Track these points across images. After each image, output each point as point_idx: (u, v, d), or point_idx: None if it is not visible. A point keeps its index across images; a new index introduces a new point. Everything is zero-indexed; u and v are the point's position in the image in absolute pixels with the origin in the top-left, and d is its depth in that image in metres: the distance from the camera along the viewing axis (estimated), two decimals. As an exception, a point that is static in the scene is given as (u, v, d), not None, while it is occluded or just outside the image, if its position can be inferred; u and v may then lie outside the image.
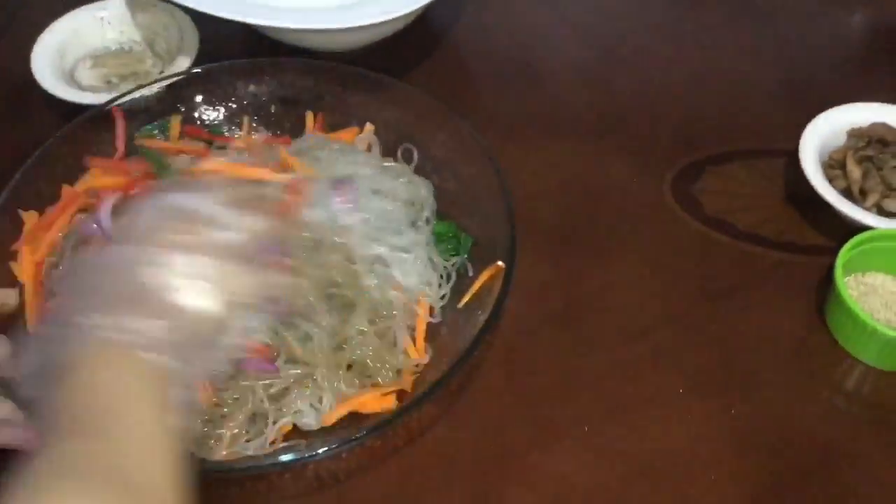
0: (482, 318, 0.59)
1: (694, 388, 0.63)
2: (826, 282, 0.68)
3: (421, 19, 0.83)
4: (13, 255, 0.64)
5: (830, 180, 0.70)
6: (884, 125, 0.74)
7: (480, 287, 0.63)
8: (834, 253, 0.66)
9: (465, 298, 0.64)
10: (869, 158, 0.70)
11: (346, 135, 0.74)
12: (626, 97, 0.84)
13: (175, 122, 0.74)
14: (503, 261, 0.61)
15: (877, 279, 0.68)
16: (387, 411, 0.58)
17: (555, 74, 0.86)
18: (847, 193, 0.70)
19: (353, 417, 0.59)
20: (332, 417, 0.58)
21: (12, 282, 0.63)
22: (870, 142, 0.72)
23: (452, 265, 0.67)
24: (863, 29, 0.93)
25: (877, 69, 0.87)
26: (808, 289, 0.69)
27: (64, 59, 0.82)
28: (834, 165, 0.72)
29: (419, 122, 0.73)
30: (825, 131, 0.74)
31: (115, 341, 0.42)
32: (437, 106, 0.71)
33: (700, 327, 0.67)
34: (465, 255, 0.67)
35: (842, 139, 0.74)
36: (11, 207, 0.64)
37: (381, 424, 0.56)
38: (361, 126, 0.74)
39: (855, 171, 0.70)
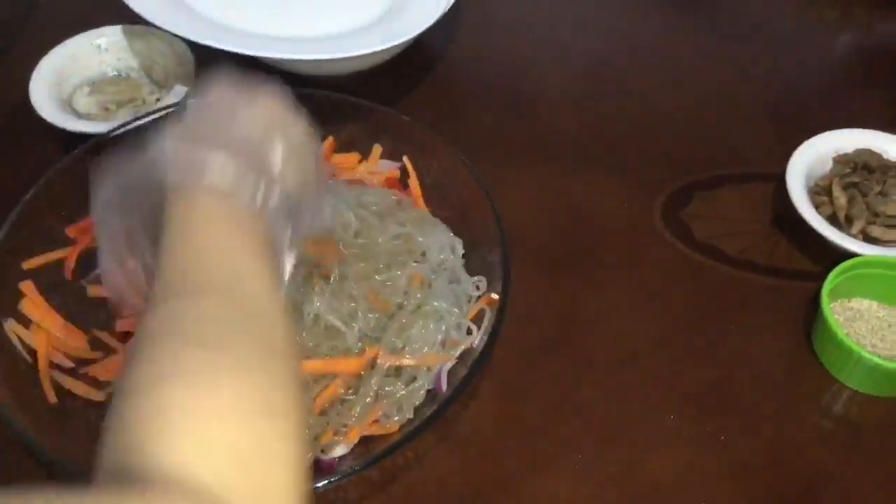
0: (478, 349, 0.60)
1: (685, 413, 0.64)
2: (813, 306, 0.69)
3: (414, 46, 0.85)
4: (18, 292, 0.64)
5: (817, 206, 0.72)
6: (869, 151, 0.75)
7: (475, 316, 0.65)
8: (821, 278, 0.67)
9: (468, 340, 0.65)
10: (854, 185, 0.72)
11: (349, 159, 0.75)
12: (616, 122, 0.85)
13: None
14: (496, 293, 0.62)
15: (862, 304, 0.69)
16: (386, 437, 0.59)
17: (546, 100, 0.87)
18: (833, 220, 0.72)
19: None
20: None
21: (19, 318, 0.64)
22: (855, 168, 0.74)
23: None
24: (847, 54, 0.95)
25: (865, 93, 0.89)
26: (795, 314, 0.70)
27: (61, 87, 0.83)
28: (820, 192, 0.73)
29: (412, 150, 0.74)
30: (811, 157, 0.75)
31: (218, 181, 0.42)
32: (430, 135, 0.72)
33: (690, 352, 0.68)
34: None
35: (828, 165, 0.75)
36: (12, 244, 0.65)
37: (384, 453, 0.56)
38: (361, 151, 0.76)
39: (841, 198, 0.71)
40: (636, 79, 0.90)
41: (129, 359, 0.35)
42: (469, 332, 0.64)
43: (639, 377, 0.66)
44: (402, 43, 0.80)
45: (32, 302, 0.64)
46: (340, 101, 0.75)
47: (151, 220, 0.44)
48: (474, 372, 0.59)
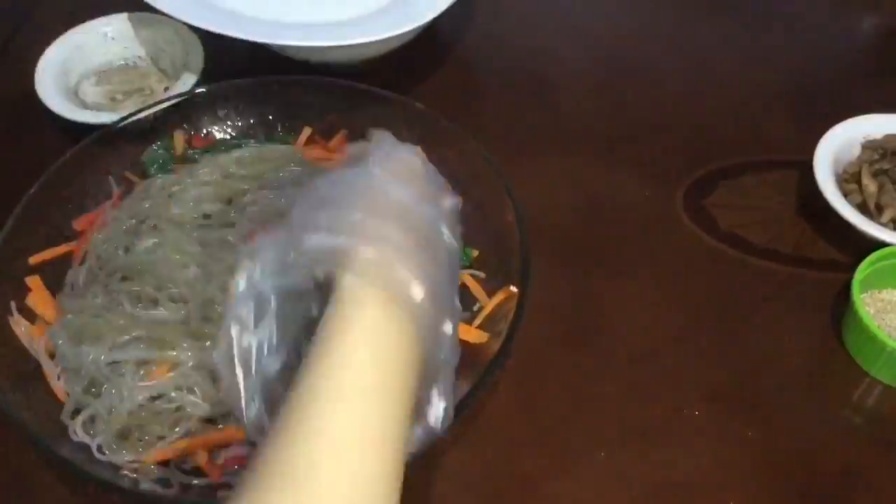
0: (496, 344, 0.59)
1: (710, 410, 0.62)
2: (841, 298, 0.67)
3: (429, 32, 0.82)
4: (24, 286, 0.63)
5: (845, 195, 0.70)
6: (898, 137, 0.73)
7: (492, 310, 0.63)
8: (849, 268, 0.65)
9: (477, 321, 0.63)
10: (885, 172, 0.70)
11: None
12: (636, 110, 0.83)
13: (178, 139, 0.73)
14: (515, 286, 0.61)
15: (894, 295, 0.67)
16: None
17: (565, 87, 0.85)
18: (863, 208, 0.69)
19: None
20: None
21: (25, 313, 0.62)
22: (885, 154, 0.71)
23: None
24: (874, 36, 0.92)
25: (890, 78, 0.86)
26: (823, 305, 0.68)
27: (68, 76, 0.81)
28: (849, 179, 0.71)
29: (427, 139, 0.72)
30: (839, 144, 0.73)
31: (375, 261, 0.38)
32: (445, 124, 0.70)
33: (715, 346, 0.66)
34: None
35: (856, 151, 0.73)
36: (17, 237, 0.63)
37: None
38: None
39: (870, 186, 0.69)
40: (656, 65, 0.87)
41: None
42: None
43: (662, 371, 0.65)
44: (415, 28, 0.78)
45: (38, 297, 0.62)
46: (352, 89, 0.73)
47: (295, 327, 0.42)
48: (493, 367, 0.57)
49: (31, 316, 0.62)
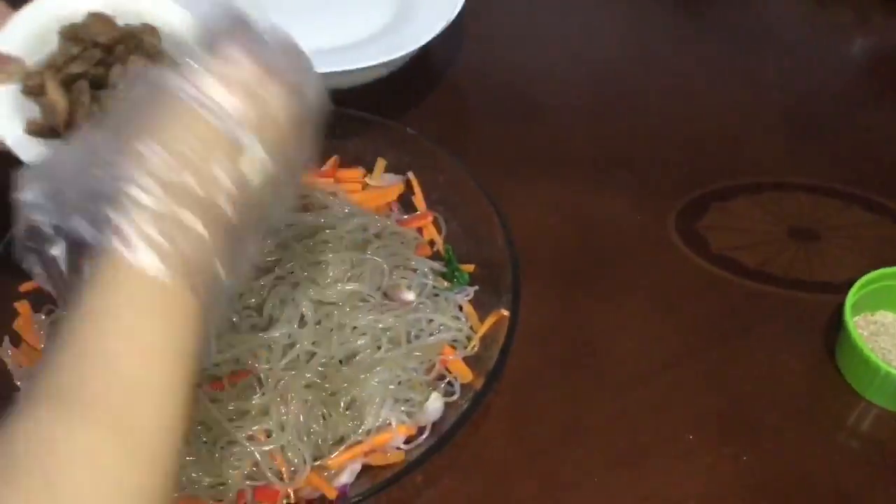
0: (488, 366, 0.58)
1: (703, 435, 0.62)
2: (834, 320, 0.67)
3: (419, 59, 0.83)
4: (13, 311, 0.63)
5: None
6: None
7: (484, 334, 0.62)
8: (842, 290, 0.65)
9: (471, 344, 0.63)
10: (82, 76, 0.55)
11: (351, 174, 0.73)
12: (626, 132, 0.83)
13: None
14: (506, 309, 0.60)
15: (887, 318, 0.67)
16: (396, 463, 0.57)
17: (554, 110, 0.85)
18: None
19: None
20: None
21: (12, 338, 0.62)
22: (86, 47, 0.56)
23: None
24: (864, 58, 0.92)
25: (881, 99, 0.86)
26: (816, 328, 0.68)
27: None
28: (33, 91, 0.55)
29: (418, 164, 0.72)
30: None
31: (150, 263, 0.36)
32: (435, 149, 0.70)
33: (707, 370, 0.66)
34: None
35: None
36: (8, 261, 0.62)
37: (390, 481, 0.54)
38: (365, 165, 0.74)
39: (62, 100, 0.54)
40: (646, 88, 0.87)
41: None
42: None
43: (655, 396, 0.64)
44: (405, 55, 0.79)
45: (26, 322, 0.62)
46: (343, 114, 0.73)
47: (69, 250, 0.39)
48: (485, 392, 0.57)
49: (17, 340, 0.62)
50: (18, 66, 0.55)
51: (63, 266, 0.40)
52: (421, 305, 0.64)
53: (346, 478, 0.56)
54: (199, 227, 0.38)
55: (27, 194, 0.39)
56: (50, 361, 0.35)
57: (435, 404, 0.59)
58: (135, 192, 0.37)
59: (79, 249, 0.38)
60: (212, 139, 0.39)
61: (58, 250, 0.39)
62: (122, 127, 0.39)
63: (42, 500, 0.32)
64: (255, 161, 0.41)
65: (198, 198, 0.38)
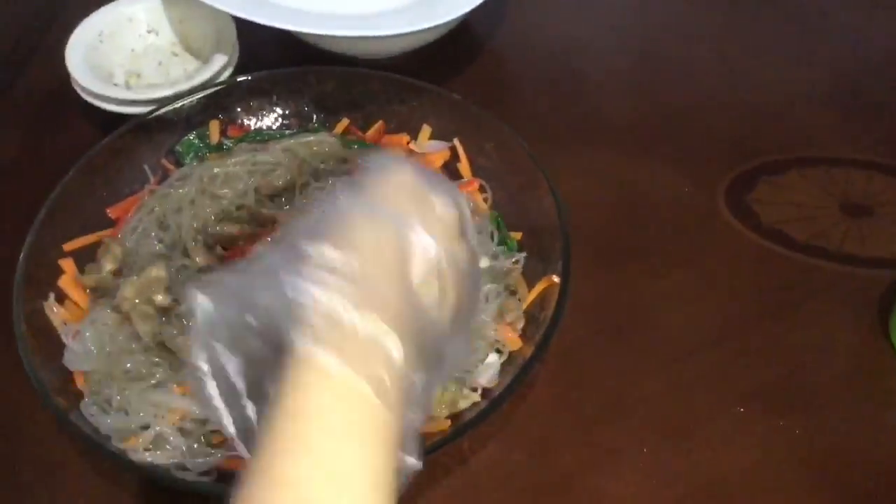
0: (536, 336, 0.57)
1: (754, 408, 0.61)
2: (888, 295, 0.65)
3: (462, 25, 0.82)
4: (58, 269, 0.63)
5: None
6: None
7: (532, 302, 0.61)
8: (895, 264, 0.63)
9: (520, 312, 0.62)
10: None
11: (397, 139, 0.72)
12: (673, 105, 0.81)
13: (214, 128, 0.73)
14: (557, 275, 0.59)
15: (944, 293, 0.65)
16: (441, 432, 0.56)
17: (599, 81, 0.84)
18: None
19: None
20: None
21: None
22: None
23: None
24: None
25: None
26: (870, 302, 0.66)
27: (99, 63, 0.79)
28: None
29: (464, 130, 0.71)
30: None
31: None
32: (483, 114, 0.69)
33: (758, 343, 0.64)
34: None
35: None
36: (52, 225, 0.63)
37: (436, 446, 0.53)
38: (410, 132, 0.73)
39: None
40: (694, 60, 0.86)
41: None
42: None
43: (704, 369, 0.63)
44: (450, 21, 0.77)
45: (71, 279, 0.62)
46: (389, 80, 0.73)
47: (256, 366, 0.38)
48: (533, 361, 0.56)
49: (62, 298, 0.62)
50: None
51: (237, 380, 0.38)
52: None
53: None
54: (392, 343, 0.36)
55: (203, 317, 0.38)
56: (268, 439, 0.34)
57: (491, 361, 0.58)
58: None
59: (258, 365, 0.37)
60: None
61: (231, 365, 0.38)
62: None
63: None
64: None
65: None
